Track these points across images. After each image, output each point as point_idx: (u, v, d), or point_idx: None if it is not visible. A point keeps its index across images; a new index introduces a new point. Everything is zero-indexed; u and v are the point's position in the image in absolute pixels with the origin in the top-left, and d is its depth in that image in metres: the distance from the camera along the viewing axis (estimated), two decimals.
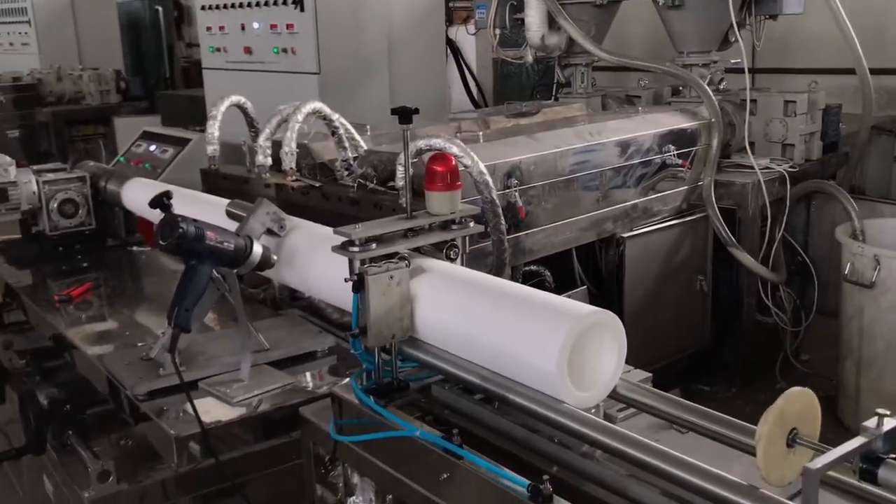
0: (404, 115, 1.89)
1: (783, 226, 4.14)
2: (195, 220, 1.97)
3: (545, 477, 1.36)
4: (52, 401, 2.52)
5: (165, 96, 10.25)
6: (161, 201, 2.00)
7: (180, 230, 1.91)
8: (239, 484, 2.13)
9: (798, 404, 1.30)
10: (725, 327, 4.25)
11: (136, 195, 3.15)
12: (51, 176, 3.32)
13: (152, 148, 4.94)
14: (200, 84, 12.99)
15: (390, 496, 1.92)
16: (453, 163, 1.96)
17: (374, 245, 1.83)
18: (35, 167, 3.37)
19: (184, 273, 2.00)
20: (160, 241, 1.94)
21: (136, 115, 8.88)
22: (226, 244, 2.01)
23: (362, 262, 1.80)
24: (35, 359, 3.00)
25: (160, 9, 11.91)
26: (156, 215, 2.92)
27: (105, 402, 2.54)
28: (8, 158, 3.25)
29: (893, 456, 1.20)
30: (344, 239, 1.82)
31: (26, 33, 10.14)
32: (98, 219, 3.41)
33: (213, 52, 5.54)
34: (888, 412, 1.19)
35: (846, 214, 4.02)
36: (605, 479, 1.48)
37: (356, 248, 1.80)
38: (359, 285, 1.75)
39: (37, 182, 3.26)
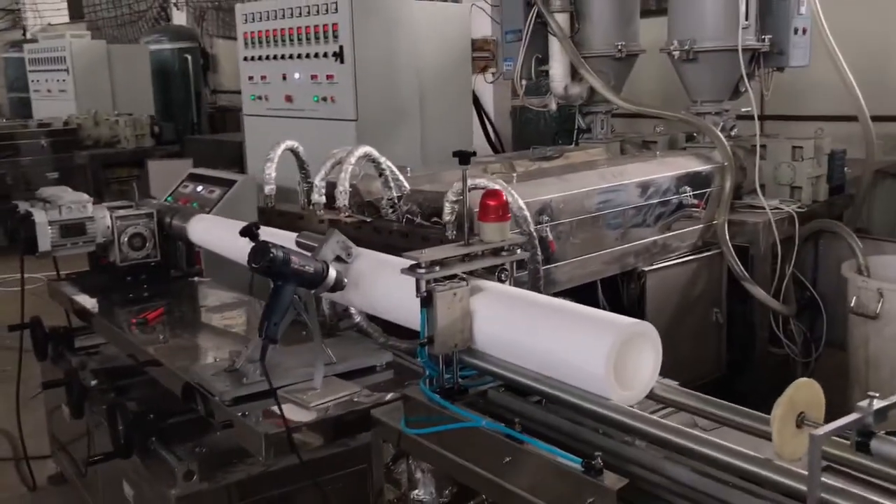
0: (464, 157, 2.21)
1: (793, 262, 4.43)
2: (282, 247, 2.28)
3: (597, 454, 1.64)
4: (134, 413, 2.80)
5: (195, 140, 10.70)
6: (251, 230, 2.31)
7: (271, 255, 2.21)
8: (313, 483, 2.41)
9: (805, 393, 1.58)
10: (740, 358, 4.50)
11: (203, 229, 3.47)
12: (122, 212, 3.64)
13: (199, 188, 5.27)
14: (225, 129, 13.45)
15: (450, 489, 2.21)
16: (504, 198, 2.27)
17: (437, 268, 2.12)
18: (107, 204, 3.70)
19: (272, 292, 2.30)
20: (252, 265, 2.25)
21: (168, 159, 9.29)
22: (307, 267, 2.31)
23: (427, 282, 2.09)
24: (110, 377, 3.30)
25: (189, 57, 12.47)
26: (220, 247, 3.26)
27: (180, 413, 2.84)
28: (86, 196, 3.59)
29: (883, 431, 1.48)
30: (412, 262, 2.12)
31: (65, 80, 10.63)
32: (162, 251, 3.72)
33: (254, 100, 5.93)
34: (878, 395, 1.47)
35: (851, 252, 4.30)
36: (644, 460, 1.76)
37: (423, 270, 2.10)
38: (427, 301, 2.04)
39: (110, 217, 3.59)
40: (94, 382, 3.32)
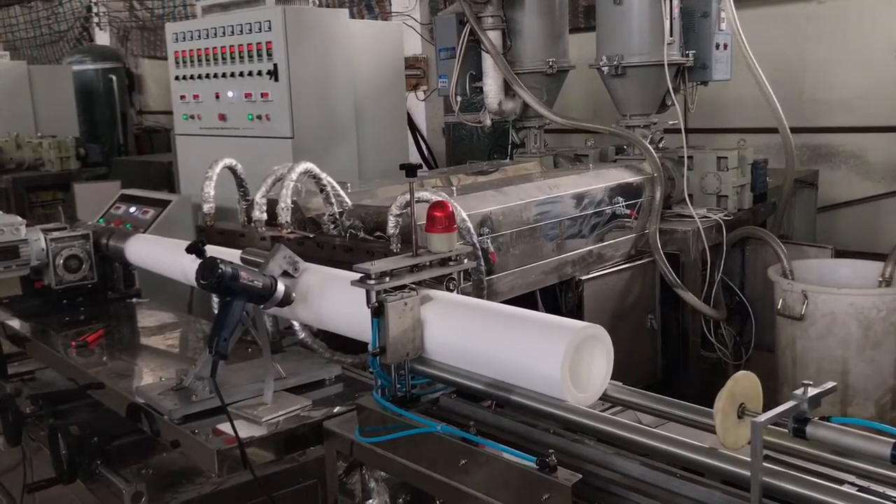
0: (410, 170, 2.25)
1: (721, 268, 4.61)
2: (230, 262, 2.28)
3: (550, 451, 1.69)
4: (77, 436, 2.75)
5: (122, 162, 10.48)
6: (197, 247, 2.30)
7: (220, 270, 2.21)
8: (264, 500, 2.40)
9: (744, 385, 1.66)
10: (674, 362, 4.65)
11: (142, 249, 3.43)
12: (56, 234, 3.56)
13: (132, 209, 5.18)
14: (152, 150, 13.18)
15: (404, 497, 2.24)
16: (450, 209, 2.32)
17: (387, 279, 2.16)
18: (41, 226, 3.62)
19: (220, 308, 2.30)
20: (201, 281, 2.24)
21: (95, 181, 9.06)
22: (255, 283, 2.31)
23: (378, 292, 2.13)
24: (48, 402, 3.22)
25: (114, 77, 12.23)
26: (160, 266, 3.23)
27: (124, 435, 2.81)
28: (19, 218, 3.50)
29: (816, 418, 1.58)
30: (363, 274, 2.15)
31: None
32: (99, 273, 3.66)
33: (186, 120, 5.86)
34: (811, 382, 1.57)
35: (776, 257, 4.50)
36: (595, 457, 1.82)
37: (373, 281, 2.13)
38: (379, 311, 2.08)
39: (45, 239, 3.51)
40: (30, 409, 3.23)
